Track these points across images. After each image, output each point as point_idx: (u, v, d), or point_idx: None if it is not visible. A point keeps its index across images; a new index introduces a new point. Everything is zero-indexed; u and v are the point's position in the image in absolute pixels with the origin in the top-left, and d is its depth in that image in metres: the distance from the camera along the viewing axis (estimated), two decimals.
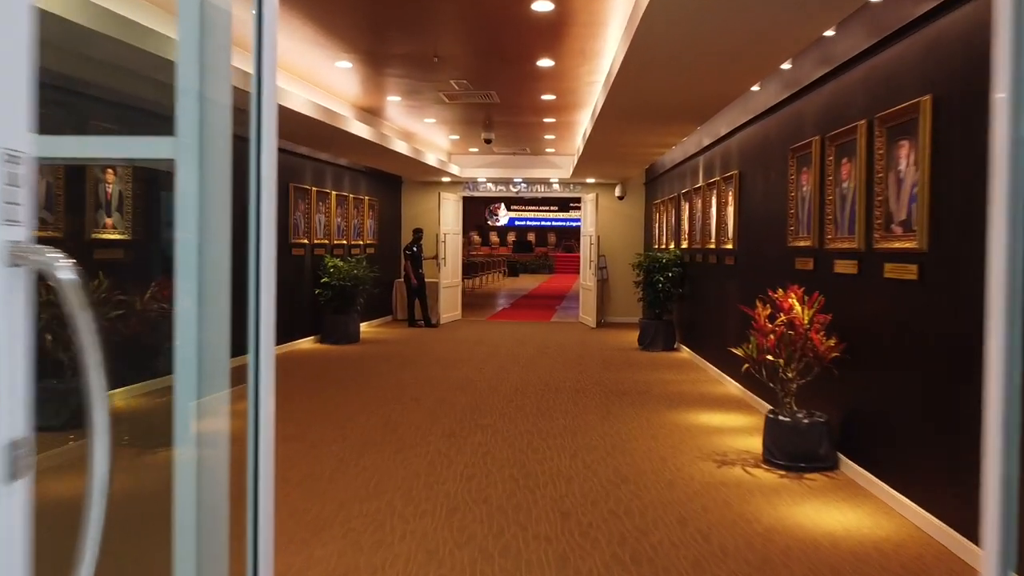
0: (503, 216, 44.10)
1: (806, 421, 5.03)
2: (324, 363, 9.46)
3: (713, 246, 8.81)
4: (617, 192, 14.44)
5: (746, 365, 5.27)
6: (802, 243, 5.84)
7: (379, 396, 7.34)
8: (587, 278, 14.28)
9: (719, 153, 8.74)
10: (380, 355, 10.17)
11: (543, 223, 44.44)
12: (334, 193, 11.71)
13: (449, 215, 14.29)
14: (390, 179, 14.48)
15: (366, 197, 13.07)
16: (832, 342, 4.96)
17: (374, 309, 13.68)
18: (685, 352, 10.48)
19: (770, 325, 5.10)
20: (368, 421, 6.29)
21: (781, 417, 5.12)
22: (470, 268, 23.81)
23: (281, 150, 9.90)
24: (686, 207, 10.43)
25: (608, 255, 14.68)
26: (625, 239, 14.85)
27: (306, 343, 10.96)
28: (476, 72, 7.62)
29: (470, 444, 5.62)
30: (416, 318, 13.64)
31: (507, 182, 15.13)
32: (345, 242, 12.21)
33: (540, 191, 15.17)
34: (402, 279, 13.90)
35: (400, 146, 10.63)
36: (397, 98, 8.89)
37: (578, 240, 42.80)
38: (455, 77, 7.75)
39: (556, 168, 14.26)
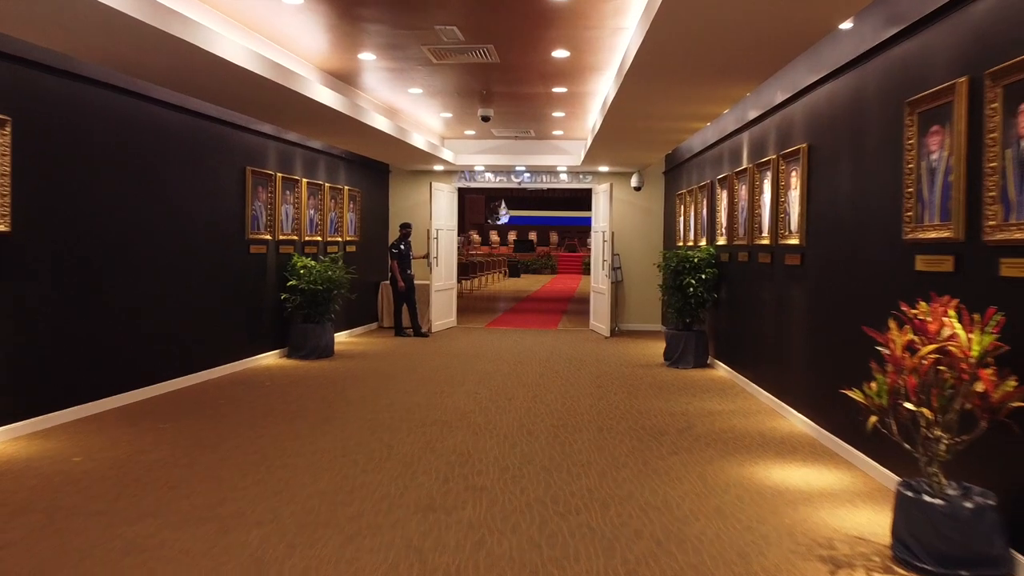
0: (504, 214, 42.52)
1: (968, 505, 3.29)
2: (284, 386, 7.71)
3: (766, 242, 7.07)
4: (634, 182, 12.68)
5: (873, 418, 3.51)
6: (932, 234, 4.09)
7: (340, 440, 5.59)
8: (599, 280, 12.53)
9: (774, 125, 6.99)
10: (355, 375, 8.43)
11: (545, 221, 42.78)
12: (305, 181, 9.96)
13: (442, 208, 12.54)
14: (375, 167, 12.74)
15: (345, 187, 11.33)
16: (1012, 385, 3.22)
17: (356, 316, 11.93)
18: (722, 370, 8.74)
19: (912, 358, 3.35)
20: (317, 484, 4.54)
21: (927, 496, 3.38)
22: (469, 268, 22.10)
23: (234, 125, 8.17)
24: (723, 196, 8.69)
25: (622, 253, 12.92)
26: (642, 235, 13.10)
27: (269, 358, 9.21)
28: (469, 16, 5.87)
29: (456, 526, 3.87)
30: (404, 326, 11.89)
31: (508, 171, 13.37)
32: (319, 238, 10.47)
33: (545, 182, 13.39)
34: (388, 281, 12.14)
35: (380, 122, 8.88)
36: (372, 56, 7.13)
37: (581, 239, 41.49)
38: (443, 23, 6.00)
39: (564, 155, 12.51)
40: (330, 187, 10.75)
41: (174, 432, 5.71)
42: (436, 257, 12.21)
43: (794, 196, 6.32)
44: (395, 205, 13.46)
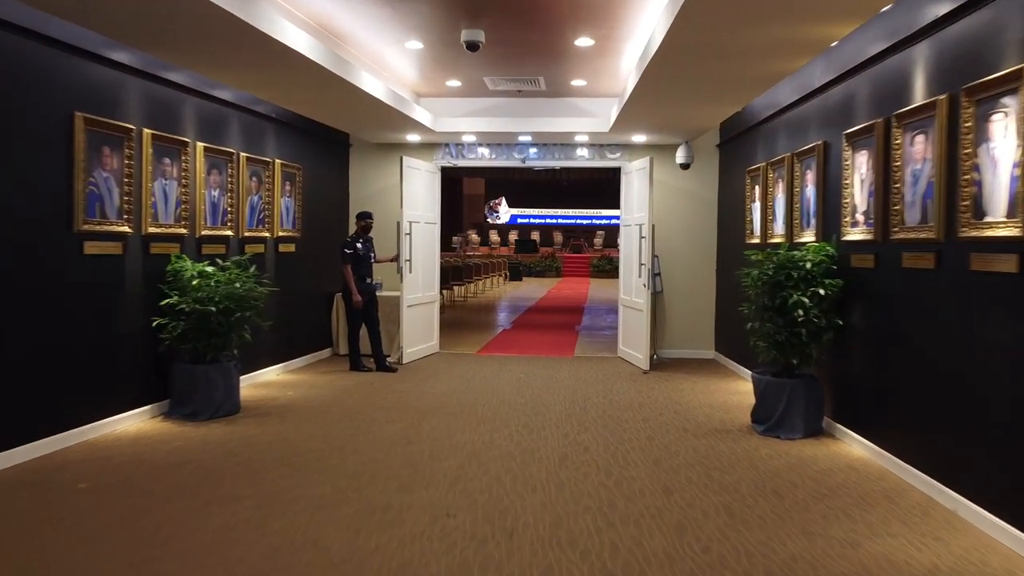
0: (504, 213, 39.38)
1: None
2: (113, 488, 4.37)
3: (972, 233, 3.75)
4: (680, 157, 9.30)
5: None
6: None
7: None
8: (633, 291, 9.17)
9: (970, 38, 3.65)
10: (260, 455, 5.09)
11: (548, 220, 39.53)
12: (201, 146, 6.62)
13: (418, 193, 9.19)
14: (328, 137, 9.38)
15: (277, 160, 7.98)
16: None
17: (300, 341, 8.57)
18: (854, 445, 5.37)
19: None
20: None
21: None
22: (464, 272, 18.77)
23: (56, 44, 4.85)
24: (860, 161, 5.34)
25: (661, 255, 9.56)
26: (688, 230, 9.74)
27: (133, 422, 5.86)
28: None
29: None
30: (363, 357, 8.51)
31: (509, 145, 9.96)
32: (229, 233, 7.12)
33: (558, 158, 9.96)
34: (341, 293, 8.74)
35: (295, 38, 5.47)
36: None
37: (588, 239, 38.01)
38: None
39: (587, 118, 9.11)
40: (248, 159, 7.39)
41: None
42: (409, 260, 8.85)
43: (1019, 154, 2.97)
44: (358, 190, 10.09)
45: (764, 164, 7.53)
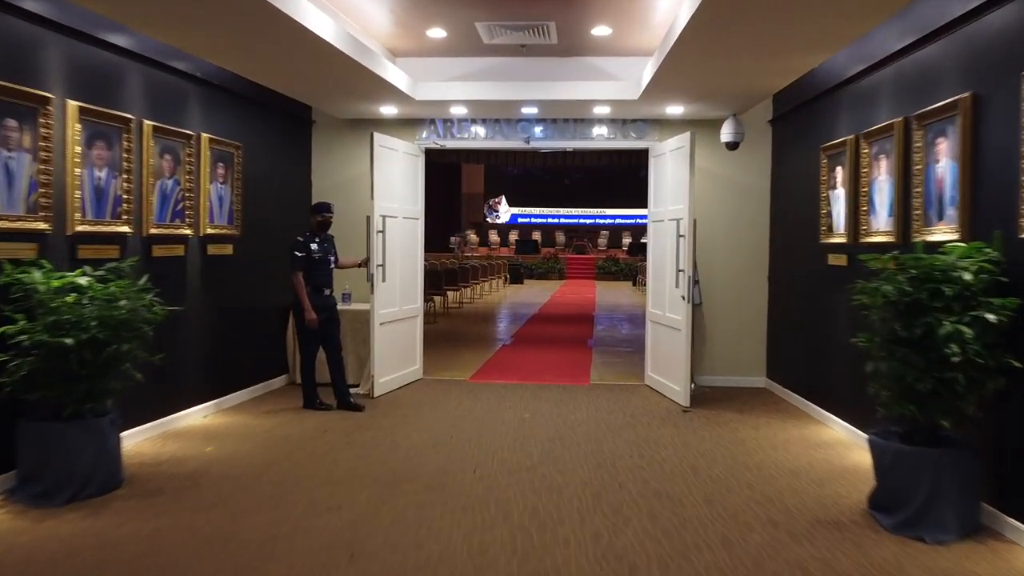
0: (504, 212, 37.65)
1: None
2: None
3: None
4: (726, 134, 7.34)
5: None
6: None
7: None
8: (667, 304, 7.23)
9: None
10: None
11: (550, 220, 37.67)
12: (73, 105, 4.66)
13: (393, 180, 7.26)
14: (282, 109, 7.44)
15: (203, 135, 6.03)
16: None
17: (243, 370, 6.63)
18: None
19: None
20: None
21: None
22: (461, 275, 16.84)
23: None
24: None
25: (698, 257, 7.61)
26: (733, 228, 7.81)
27: None
28: None
29: None
30: (320, 398, 6.57)
31: (509, 119, 7.99)
32: (127, 230, 5.18)
33: (571, 136, 7.97)
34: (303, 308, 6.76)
35: None
36: None
37: (592, 240, 35.88)
38: None
39: (610, 82, 7.13)
40: (157, 130, 5.45)
41: None
42: (382, 265, 6.92)
43: None
44: (324, 177, 8.15)
45: (852, 138, 5.59)
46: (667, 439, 5.60)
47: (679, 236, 6.78)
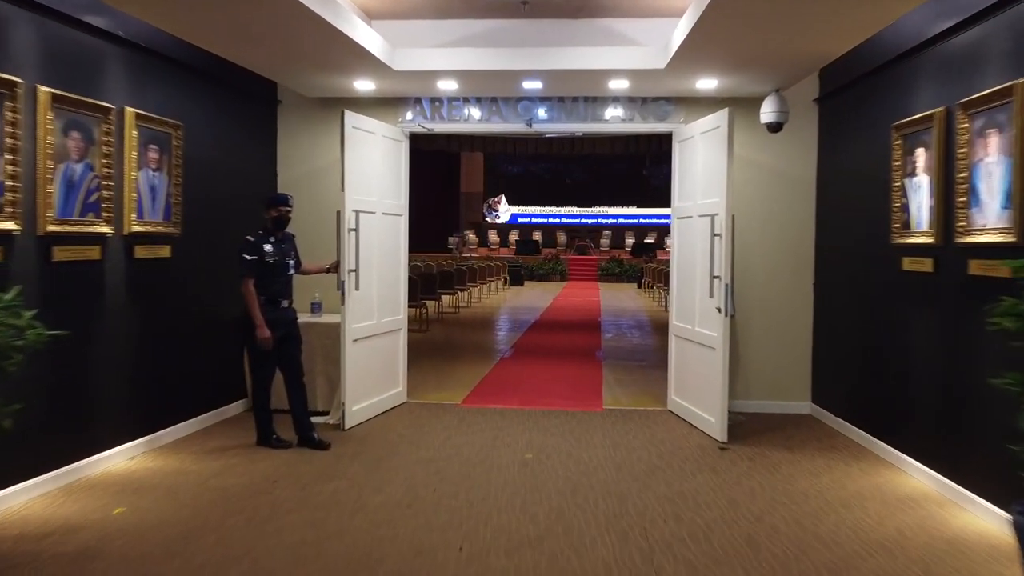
0: (504, 212, 36.61)
1: None
2: None
3: None
4: (767, 113, 6.14)
5: None
6: None
7: None
8: (697, 317, 6.04)
9: None
10: None
11: (551, 220, 36.53)
12: None
13: (370, 168, 6.08)
14: (238, 85, 6.26)
15: (129, 109, 4.85)
16: None
17: (187, 397, 5.44)
18: None
19: None
20: None
21: None
22: (457, 277, 15.68)
23: None
24: None
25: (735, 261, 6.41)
26: (771, 226, 6.64)
27: None
28: None
29: None
30: (276, 433, 5.38)
31: (507, 96, 6.77)
32: (13, 227, 3.98)
33: (582, 116, 6.73)
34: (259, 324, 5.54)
35: None
36: None
37: (595, 240, 34.65)
38: None
39: (630, 47, 5.92)
40: (57, 98, 4.26)
41: None
42: (355, 271, 5.74)
43: None
44: (292, 167, 6.96)
45: (942, 111, 4.41)
46: (708, 493, 4.42)
47: (713, 235, 5.60)
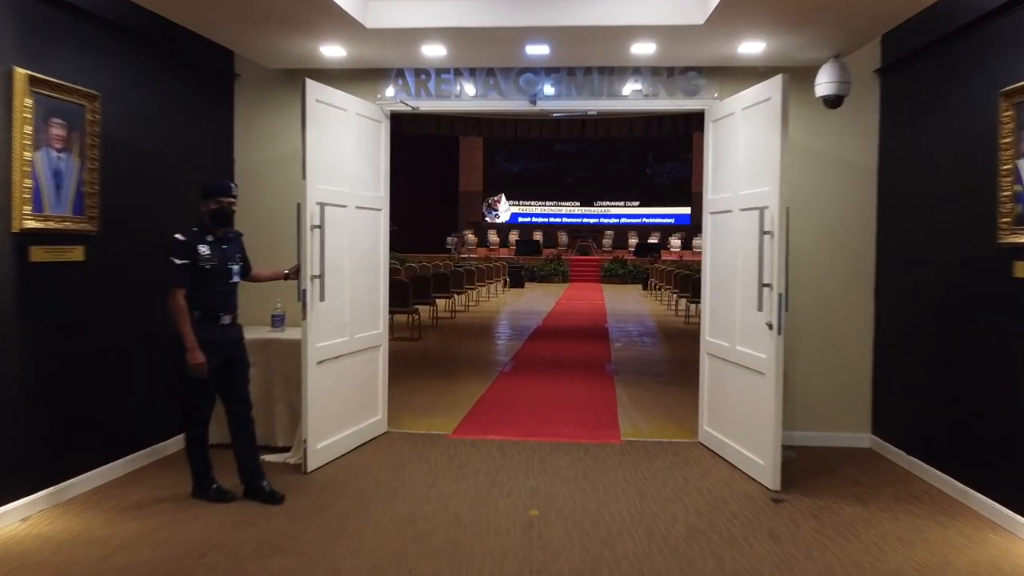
0: (503, 211, 35.67)
1: None
2: None
3: None
4: (823, 85, 5.05)
5: None
6: None
7: None
8: (738, 333, 4.95)
9: None
10: None
11: (551, 219, 35.50)
12: None
13: (340, 152, 4.98)
14: (184, 52, 5.16)
15: (22, 72, 3.75)
16: None
17: (112, 434, 4.33)
18: None
19: None
20: None
21: None
22: (455, 279, 14.62)
23: None
24: None
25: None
26: (822, 224, 5.53)
27: None
28: None
29: None
30: (215, 483, 4.29)
31: (507, 66, 5.66)
32: None
33: (596, 95, 5.60)
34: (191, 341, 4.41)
35: None
36: None
37: (597, 240, 33.51)
38: None
39: (657, 8, 4.81)
40: None
41: None
42: (320, 276, 4.65)
43: None
44: (253, 153, 5.86)
45: None
46: (771, 574, 3.32)
47: (763, 233, 4.51)
